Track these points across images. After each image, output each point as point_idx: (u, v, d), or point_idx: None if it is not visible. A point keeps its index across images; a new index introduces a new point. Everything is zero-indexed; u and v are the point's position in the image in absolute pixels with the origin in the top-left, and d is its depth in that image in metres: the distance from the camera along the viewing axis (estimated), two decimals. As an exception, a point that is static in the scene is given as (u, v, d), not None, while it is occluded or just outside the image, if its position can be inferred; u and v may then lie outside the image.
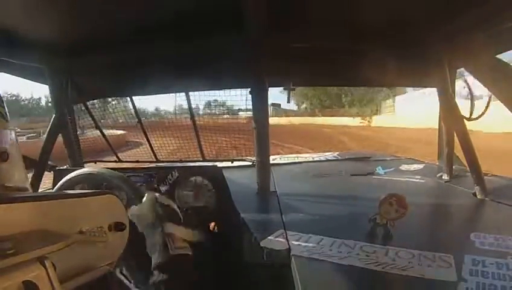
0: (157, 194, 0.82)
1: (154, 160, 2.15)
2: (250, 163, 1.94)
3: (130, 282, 0.73)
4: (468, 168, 1.40)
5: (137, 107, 1.96)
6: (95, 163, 1.97)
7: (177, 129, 2.21)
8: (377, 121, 21.75)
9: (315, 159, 2.41)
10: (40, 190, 1.39)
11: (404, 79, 1.73)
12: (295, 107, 35.80)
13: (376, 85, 1.89)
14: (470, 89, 1.25)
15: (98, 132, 1.98)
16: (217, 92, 1.84)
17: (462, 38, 1.13)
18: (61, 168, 1.49)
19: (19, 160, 0.53)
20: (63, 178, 0.88)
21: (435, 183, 1.54)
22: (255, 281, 0.94)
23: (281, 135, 12.57)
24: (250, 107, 1.40)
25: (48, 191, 1.28)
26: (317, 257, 0.79)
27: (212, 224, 1.34)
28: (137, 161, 2.21)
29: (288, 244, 0.86)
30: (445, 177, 1.57)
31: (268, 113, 1.41)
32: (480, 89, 1.09)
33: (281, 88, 1.55)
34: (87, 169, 0.89)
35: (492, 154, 4.83)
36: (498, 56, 1.04)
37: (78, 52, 1.32)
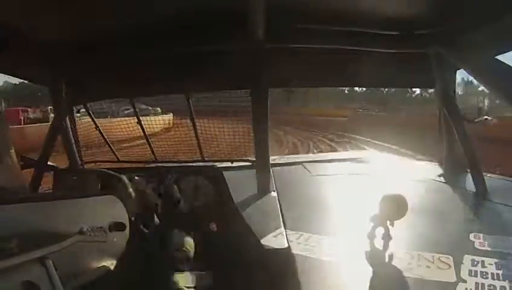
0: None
1: (154, 160, 2.15)
2: (250, 163, 1.94)
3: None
4: (468, 169, 1.39)
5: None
6: (95, 163, 1.97)
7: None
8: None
9: (315, 159, 2.41)
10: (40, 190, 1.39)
11: (404, 79, 1.73)
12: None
13: (376, 85, 1.89)
14: None
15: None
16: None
17: (462, 38, 1.13)
18: (62, 168, 1.49)
19: (11, 160, 0.51)
20: (63, 178, 0.88)
21: (435, 184, 1.53)
22: (255, 281, 0.94)
23: None
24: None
25: (48, 191, 1.28)
26: (317, 256, 0.79)
27: (212, 224, 1.34)
28: (137, 161, 2.21)
29: (288, 244, 0.86)
30: (446, 177, 1.57)
31: (268, 113, 1.41)
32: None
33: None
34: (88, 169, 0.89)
35: None
36: (498, 56, 1.03)
37: (78, 53, 1.32)
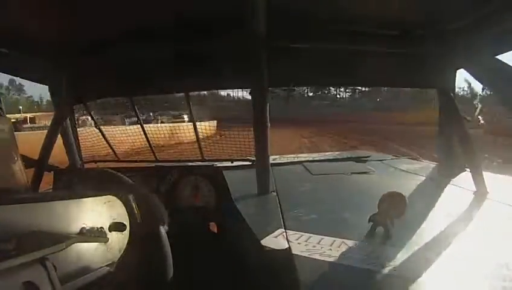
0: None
1: (154, 160, 2.15)
2: (250, 163, 1.94)
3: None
4: (468, 168, 1.39)
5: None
6: (95, 163, 1.98)
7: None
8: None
9: (315, 158, 2.41)
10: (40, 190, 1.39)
11: (404, 79, 1.73)
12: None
13: (376, 85, 1.89)
14: None
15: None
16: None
17: (462, 38, 1.13)
18: (62, 168, 1.49)
19: (13, 157, 0.51)
20: (63, 178, 0.88)
21: (434, 183, 1.54)
22: (255, 281, 0.94)
23: None
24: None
25: (48, 191, 1.28)
26: (317, 256, 0.79)
27: (212, 224, 1.34)
28: (137, 161, 2.21)
29: (288, 244, 0.86)
30: (445, 177, 1.57)
31: (268, 113, 1.41)
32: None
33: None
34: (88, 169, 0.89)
35: None
36: (498, 56, 1.03)
37: (78, 52, 1.32)
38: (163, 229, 0.71)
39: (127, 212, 0.62)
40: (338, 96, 35.80)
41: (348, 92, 34.19)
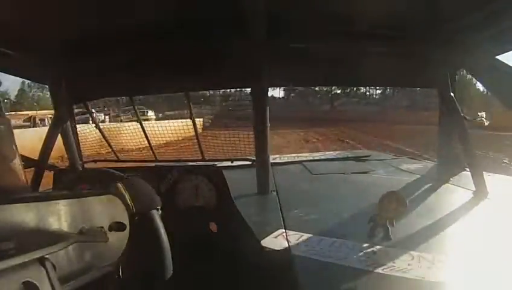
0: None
1: (154, 160, 2.15)
2: (250, 163, 1.94)
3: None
4: (468, 168, 1.39)
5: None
6: (95, 163, 1.98)
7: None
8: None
9: (315, 158, 2.41)
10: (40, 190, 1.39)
11: (404, 79, 1.73)
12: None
13: (376, 85, 1.90)
14: None
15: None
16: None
17: (462, 38, 1.13)
18: (61, 168, 1.50)
19: (13, 158, 0.51)
20: (63, 178, 0.88)
21: (434, 183, 1.54)
22: (255, 281, 0.94)
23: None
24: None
25: (48, 191, 1.28)
26: (317, 257, 0.79)
27: (212, 224, 1.34)
28: (137, 161, 2.22)
29: (288, 244, 0.86)
30: (445, 176, 1.57)
31: (268, 112, 1.41)
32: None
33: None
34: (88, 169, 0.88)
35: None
36: (498, 56, 1.04)
37: (78, 52, 1.32)
38: (156, 213, 0.71)
39: (127, 211, 0.62)
40: (368, 93, 32.83)
41: (378, 89, 30.99)
